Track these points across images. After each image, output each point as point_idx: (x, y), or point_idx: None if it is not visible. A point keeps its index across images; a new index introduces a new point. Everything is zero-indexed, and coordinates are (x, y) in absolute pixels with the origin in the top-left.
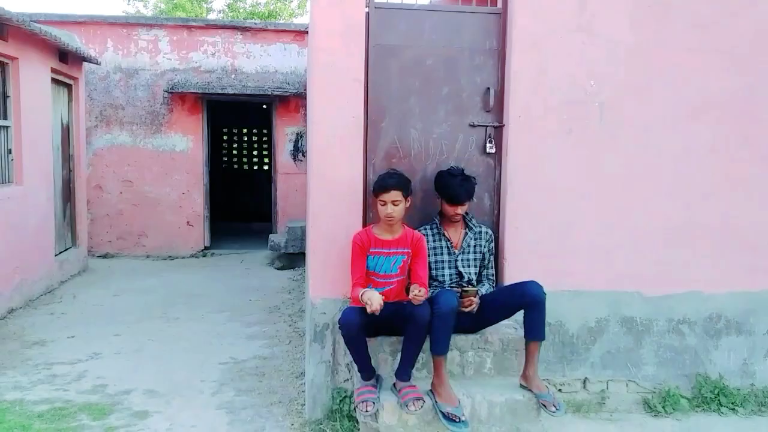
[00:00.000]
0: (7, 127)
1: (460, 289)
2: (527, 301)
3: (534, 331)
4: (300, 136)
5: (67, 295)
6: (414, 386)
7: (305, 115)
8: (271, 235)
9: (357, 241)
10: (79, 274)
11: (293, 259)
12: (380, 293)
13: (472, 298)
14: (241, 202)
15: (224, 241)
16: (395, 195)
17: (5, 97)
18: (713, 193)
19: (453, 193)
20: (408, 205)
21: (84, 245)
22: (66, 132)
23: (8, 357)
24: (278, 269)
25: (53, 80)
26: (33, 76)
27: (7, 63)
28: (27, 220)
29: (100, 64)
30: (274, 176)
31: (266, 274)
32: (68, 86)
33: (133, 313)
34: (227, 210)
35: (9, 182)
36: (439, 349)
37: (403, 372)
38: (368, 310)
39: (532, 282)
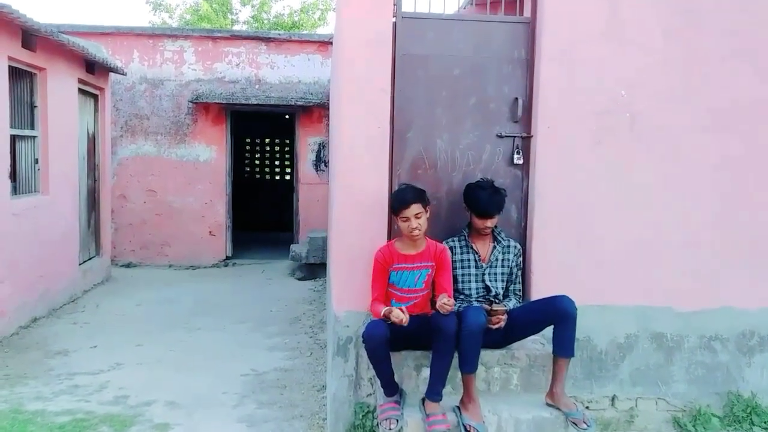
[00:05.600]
0: (34, 137)
1: (488, 306)
2: (558, 315)
3: (563, 347)
4: (322, 147)
5: (90, 305)
6: (443, 415)
7: (328, 125)
8: (292, 246)
9: (379, 258)
10: (102, 284)
11: (314, 269)
12: (405, 308)
13: (500, 315)
14: (263, 212)
15: (246, 250)
16: (416, 208)
17: (33, 107)
18: (748, 205)
19: (483, 206)
20: (428, 215)
21: (107, 254)
22: (92, 142)
23: (31, 367)
24: (299, 279)
25: (80, 90)
26: (60, 87)
27: (35, 73)
28: (52, 230)
29: (126, 75)
30: (296, 186)
31: (287, 285)
32: (95, 96)
33: (155, 323)
34: (249, 220)
35: (36, 192)
36: (469, 368)
37: (433, 391)
38: (401, 322)
39: (564, 296)
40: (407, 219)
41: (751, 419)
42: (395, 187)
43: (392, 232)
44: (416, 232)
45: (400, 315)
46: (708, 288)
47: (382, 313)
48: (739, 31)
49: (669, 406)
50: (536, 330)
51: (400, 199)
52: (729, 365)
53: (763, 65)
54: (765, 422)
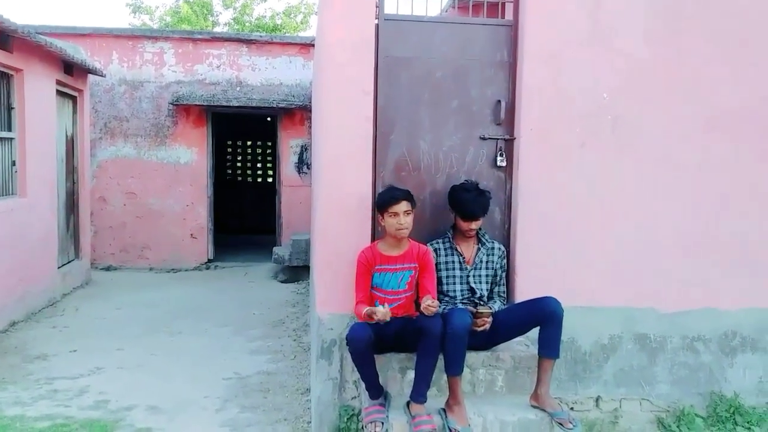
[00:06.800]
0: (11, 138)
1: (473, 308)
2: (545, 316)
3: (549, 348)
4: (304, 149)
5: (69, 308)
6: (429, 416)
7: (310, 127)
8: (275, 248)
9: (362, 260)
10: (81, 287)
11: (297, 272)
12: (387, 307)
13: (485, 318)
14: (245, 214)
15: (228, 253)
16: (405, 205)
17: (10, 108)
18: (730, 207)
19: (468, 208)
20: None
21: (87, 257)
22: (70, 144)
23: (9, 371)
24: (282, 282)
25: (58, 92)
26: (38, 88)
27: (11, 75)
28: (30, 233)
29: (105, 76)
30: (279, 189)
31: (270, 287)
32: (73, 98)
33: (136, 326)
34: (231, 222)
35: (13, 194)
36: (455, 370)
37: (418, 392)
38: (379, 319)
39: (550, 297)
40: (396, 214)
41: (734, 419)
42: (379, 189)
43: (376, 235)
44: (403, 230)
45: (381, 313)
46: (691, 289)
47: (364, 313)
48: (721, 36)
49: (653, 407)
50: (522, 331)
51: (391, 195)
52: (712, 366)
53: (749, 69)
54: (748, 422)
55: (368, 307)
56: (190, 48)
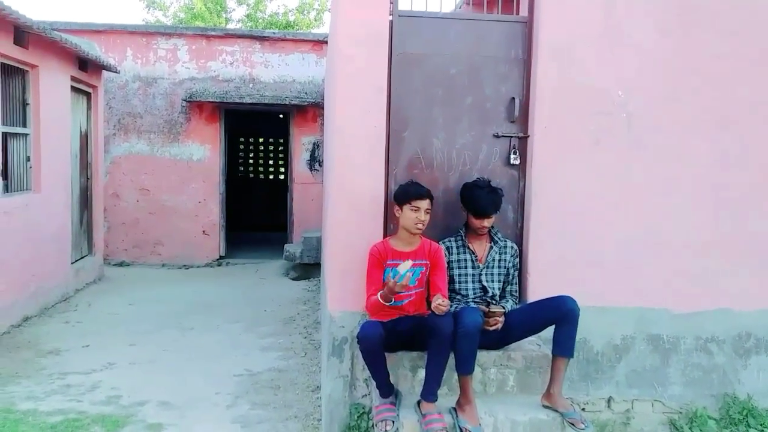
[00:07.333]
0: (26, 134)
1: (486, 308)
2: (562, 314)
3: (564, 347)
4: (317, 146)
5: (82, 304)
6: (440, 414)
7: (322, 124)
8: (286, 245)
9: (374, 253)
10: (94, 282)
11: (308, 269)
12: (399, 306)
13: (497, 317)
14: (257, 211)
15: (239, 250)
16: (427, 204)
17: (25, 104)
18: (744, 205)
19: (480, 205)
20: None
21: (100, 253)
22: (84, 140)
23: (22, 366)
24: (293, 279)
25: (72, 88)
26: (52, 84)
27: (27, 71)
28: (44, 228)
29: (119, 73)
30: (291, 186)
31: (281, 285)
32: (87, 94)
33: (148, 322)
34: (243, 219)
35: (27, 190)
36: (465, 369)
37: (429, 391)
38: (402, 287)
39: (566, 296)
40: (417, 209)
41: (747, 421)
42: (392, 187)
43: (388, 232)
44: (420, 225)
45: (402, 268)
46: (704, 290)
47: (384, 289)
48: (737, 31)
49: (665, 408)
50: (536, 330)
51: (418, 190)
52: (725, 367)
53: (762, 64)
54: (761, 424)
55: (385, 288)
56: (204, 45)
